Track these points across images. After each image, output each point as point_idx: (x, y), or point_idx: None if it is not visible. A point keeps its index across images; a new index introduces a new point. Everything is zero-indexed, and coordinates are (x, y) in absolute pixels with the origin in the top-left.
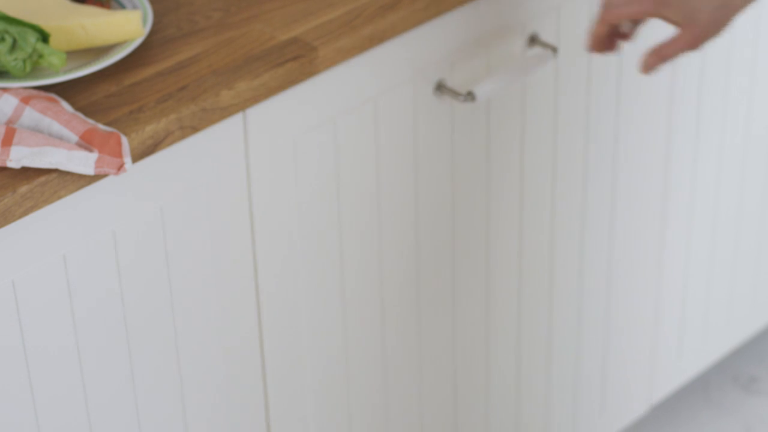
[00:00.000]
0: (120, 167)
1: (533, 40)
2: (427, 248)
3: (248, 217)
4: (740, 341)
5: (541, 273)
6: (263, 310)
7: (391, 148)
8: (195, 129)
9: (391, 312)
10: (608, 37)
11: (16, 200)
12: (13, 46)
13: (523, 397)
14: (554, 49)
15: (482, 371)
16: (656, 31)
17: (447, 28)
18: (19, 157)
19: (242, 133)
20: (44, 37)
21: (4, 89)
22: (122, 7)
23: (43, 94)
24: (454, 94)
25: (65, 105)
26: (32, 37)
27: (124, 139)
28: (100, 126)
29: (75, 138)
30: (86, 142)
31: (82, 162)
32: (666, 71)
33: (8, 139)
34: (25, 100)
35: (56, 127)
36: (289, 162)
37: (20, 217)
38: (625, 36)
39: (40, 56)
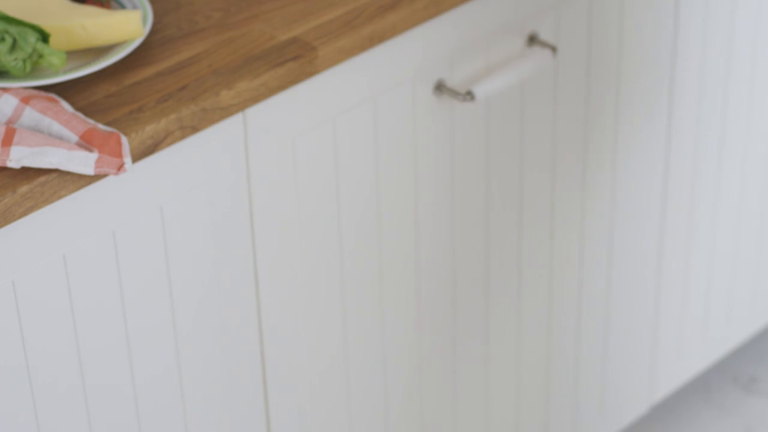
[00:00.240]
0: (120, 167)
1: (533, 39)
2: (427, 247)
3: (248, 217)
4: (740, 341)
5: (540, 273)
6: (263, 309)
7: (390, 148)
8: (195, 129)
9: (391, 311)
10: None
11: (16, 200)
12: (13, 46)
13: (523, 397)
14: (554, 49)
15: (482, 371)
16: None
17: (447, 28)
18: (19, 157)
19: (242, 133)
20: (44, 37)
21: (4, 89)
22: (122, 7)
23: (43, 94)
24: (454, 93)
25: (65, 105)
26: (32, 37)
27: (124, 139)
28: (100, 126)
29: (75, 138)
30: (86, 142)
31: (82, 162)
32: (666, 71)
33: (8, 139)
34: (25, 100)
35: (56, 127)
36: (289, 162)
37: (20, 217)
38: None
39: (40, 56)
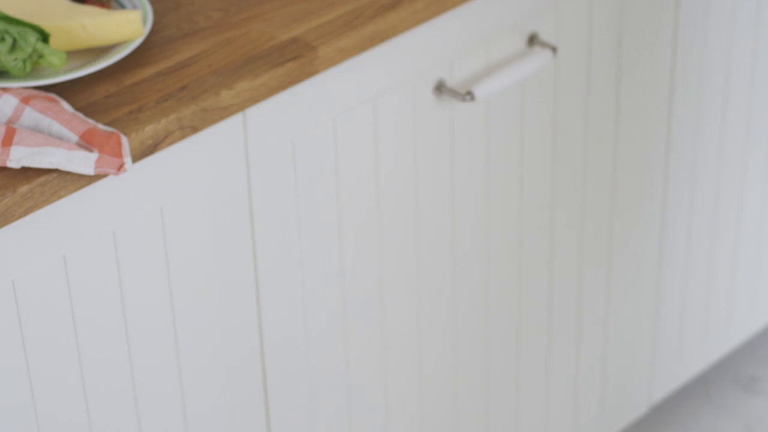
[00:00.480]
0: (120, 167)
1: (533, 40)
2: (427, 247)
3: (248, 217)
4: (740, 341)
5: (540, 272)
6: (263, 309)
7: (390, 148)
8: (195, 129)
9: (391, 311)
10: None
11: (16, 200)
12: (13, 46)
13: (523, 397)
14: (554, 49)
15: (482, 371)
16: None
17: (447, 28)
18: (19, 157)
19: (242, 133)
20: (44, 37)
21: (4, 89)
22: (122, 7)
23: (43, 94)
24: (454, 93)
25: (65, 105)
26: (32, 37)
27: (124, 139)
28: (100, 126)
29: (75, 138)
30: (86, 142)
31: (82, 162)
32: (666, 71)
33: (8, 139)
34: (25, 100)
35: (56, 127)
36: (289, 162)
37: (20, 217)
38: None
39: (40, 56)
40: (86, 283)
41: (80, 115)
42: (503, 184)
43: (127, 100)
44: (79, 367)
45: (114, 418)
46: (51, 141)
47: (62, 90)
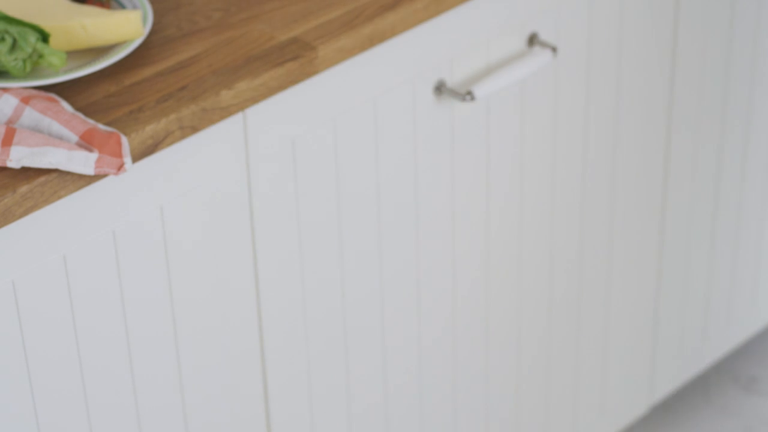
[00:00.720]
0: (120, 167)
1: (533, 40)
2: (427, 247)
3: (248, 217)
4: (740, 341)
5: (540, 271)
6: (263, 309)
7: (391, 148)
8: (195, 129)
9: (391, 311)
10: None
11: (16, 200)
12: (13, 46)
13: (523, 397)
14: (554, 49)
15: (482, 371)
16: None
17: (447, 28)
18: (19, 157)
19: (242, 133)
20: (44, 37)
21: (4, 89)
22: (122, 7)
23: (43, 94)
24: (454, 93)
25: (65, 105)
26: (32, 37)
27: (124, 139)
28: (100, 126)
29: (75, 138)
30: (86, 142)
31: (82, 162)
32: (666, 71)
33: (8, 139)
34: (25, 100)
35: (56, 127)
36: (289, 162)
37: (20, 217)
38: None
39: (40, 56)
40: (86, 283)
41: (80, 115)
42: (503, 184)
43: (127, 100)
44: (79, 367)
45: (114, 418)
46: (51, 141)
47: (62, 90)
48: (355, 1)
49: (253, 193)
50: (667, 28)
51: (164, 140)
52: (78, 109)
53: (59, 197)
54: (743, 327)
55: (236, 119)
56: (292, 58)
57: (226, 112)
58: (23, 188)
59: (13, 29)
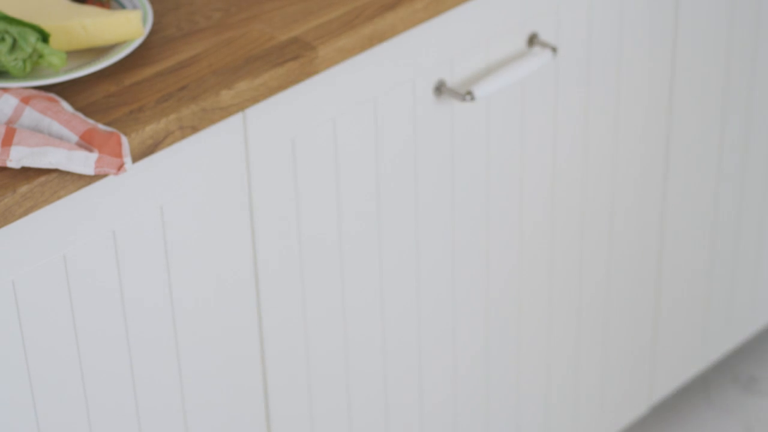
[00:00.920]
0: (120, 167)
1: (533, 40)
2: (426, 247)
3: (248, 217)
4: (740, 341)
5: (540, 272)
6: (263, 309)
7: (391, 148)
8: (195, 129)
9: (391, 310)
10: None
11: (16, 200)
12: (13, 46)
13: (523, 397)
14: (554, 49)
15: (482, 371)
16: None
17: (447, 28)
18: (19, 157)
19: (242, 133)
20: (44, 37)
21: (4, 89)
22: (122, 7)
23: (43, 94)
24: (454, 93)
25: (65, 105)
26: (32, 37)
27: (124, 139)
28: (100, 126)
29: (75, 138)
30: (86, 142)
31: (82, 162)
32: (666, 71)
33: (8, 139)
34: (25, 100)
35: (56, 127)
36: (289, 162)
37: (20, 217)
38: None
39: (40, 56)
40: (86, 283)
41: (80, 115)
42: (503, 184)
43: (127, 100)
44: (79, 366)
45: (114, 417)
46: (51, 141)
47: (62, 90)
48: (355, 1)
49: (253, 193)
50: (667, 28)
51: (164, 140)
52: (78, 109)
53: (59, 197)
54: (743, 327)
55: (236, 119)
56: (292, 58)
57: (226, 112)
58: (23, 188)
59: (13, 29)
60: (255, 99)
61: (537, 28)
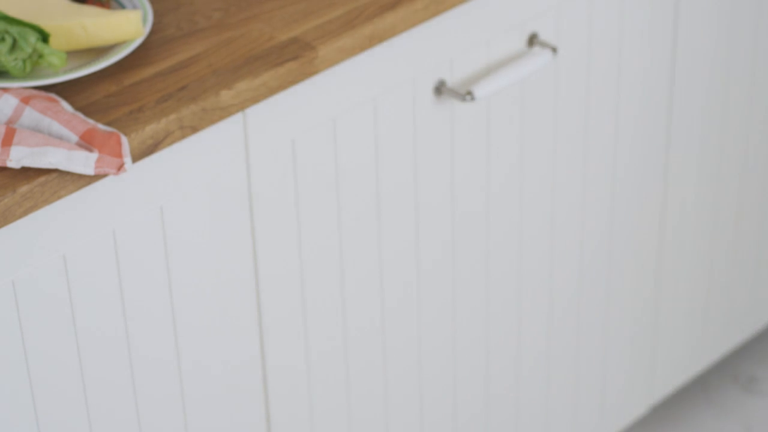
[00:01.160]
0: (120, 167)
1: (533, 40)
2: (425, 248)
3: (248, 217)
4: (740, 341)
5: (540, 272)
6: (263, 309)
7: (391, 148)
8: (195, 129)
9: (391, 311)
10: None
11: (16, 200)
12: (13, 46)
13: (523, 397)
14: (554, 49)
15: (482, 371)
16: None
17: (447, 28)
18: (19, 157)
19: (242, 133)
20: (44, 37)
21: (4, 89)
22: (122, 7)
23: (43, 94)
24: (454, 93)
25: (65, 105)
26: (32, 37)
27: (124, 139)
28: (100, 126)
29: (75, 138)
30: (86, 142)
31: (82, 162)
32: (665, 71)
33: (8, 139)
34: (25, 100)
35: (56, 127)
36: (289, 162)
37: (20, 217)
38: None
39: (40, 56)
40: (86, 283)
41: (80, 115)
42: (503, 184)
43: (127, 100)
44: (79, 366)
45: (114, 417)
46: (51, 141)
47: (62, 90)
48: (355, 1)
49: (253, 193)
50: (667, 28)
51: (164, 140)
52: (78, 109)
53: (59, 197)
54: (743, 327)
55: (236, 119)
56: (292, 58)
57: (226, 112)
58: (23, 188)
59: (13, 29)
60: (255, 99)
61: (537, 28)
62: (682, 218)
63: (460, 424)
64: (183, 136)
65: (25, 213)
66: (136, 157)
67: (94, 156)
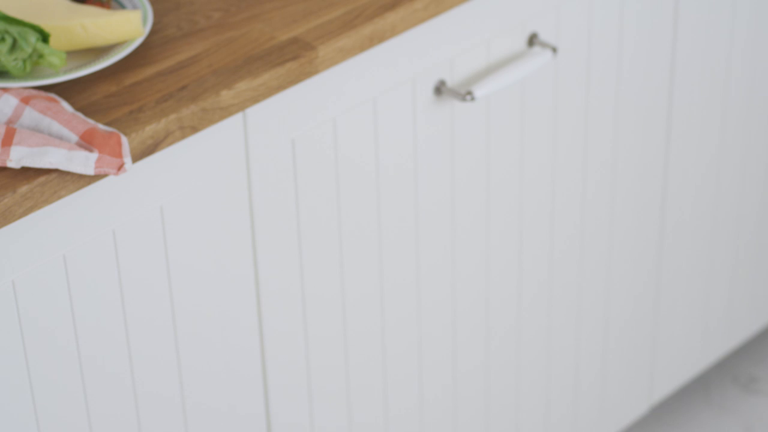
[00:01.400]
0: (120, 167)
1: (533, 40)
2: (426, 246)
3: (248, 217)
4: (740, 341)
5: (540, 272)
6: (263, 309)
7: (391, 148)
8: (195, 129)
9: (391, 310)
10: None
11: (16, 200)
12: (13, 46)
13: (523, 397)
14: (554, 49)
15: (482, 371)
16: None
17: (447, 28)
18: (19, 157)
19: (242, 133)
20: (44, 37)
21: (4, 89)
22: (122, 7)
23: (43, 94)
24: (454, 93)
25: (65, 105)
26: (32, 37)
27: (124, 139)
28: (100, 126)
29: (75, 138)
30: (86, 142)
31: (82, 162)
32: (665, 71)
33: (8, 139)
34: (25, 100)
35: (56, 127)
36: (289, 162)
37: (20, 217)
38: None
39: (40, 56)
40: (86, 283)
41: (80, 115)
42: (503, 184)
43: (127, 100)
44: (79, 366)
45: (114, 417)
46: (51, 141)
47: (62, 90)
48: (355, 1)
49: (253, 193)
50: (667, 28)
51: (164, 140)
52: (78, 109)
53: (59, 197)
54: (743, 327)
55: (236, 119)
56: (292, 58)
57: (226, 112)
58: (23, 188)
59: (13, 29)
60: (255, 99)
61: (537, 28)
62: (682, 218)
63: (460, 424)
64: (183, 136)
65: (25, 213)
66: (136, 157)
67: (94, 156)
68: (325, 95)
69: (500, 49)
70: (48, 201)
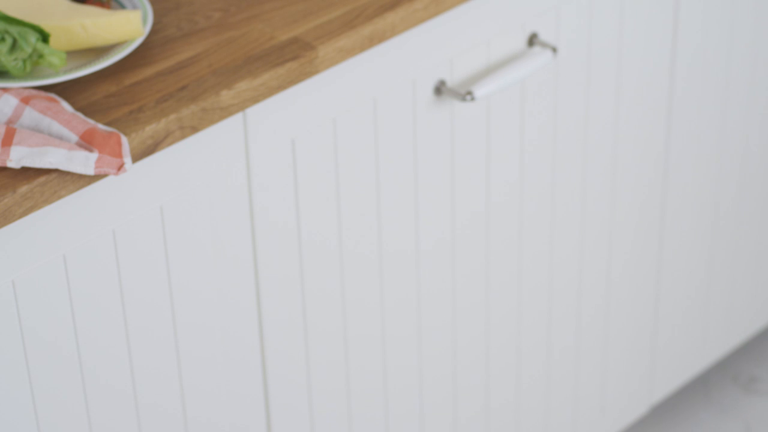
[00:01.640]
0: (120, 167)
1: (533, 40)
2: (426, 246)
3: (248, 217)
4: (740, 341)
5: (540, 272)
6: (264, 309)
7: (391, 148)
8: (195, 129)
9: (391, 310)
10: None
11: (16, 200)
12: (13, 46)
13: (524, 397)
14: (554, 49)
15: (482, 371)
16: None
17: (447, 28)
18: (19, 157)
19: (242, 133)
20: (44, 37)
21: (4, 89)
22: (122, 7)
23: (43, 94)
24: (454, 93)
25: (65, 105)
26: (32, 37)
27: (124, 139)
28: (100, 126)
29: (75, 138)
30: (86, 142)
31: (82, 162)
32: (665, 71)
33: (8, 139)
34: (25, 100)
35: (56, 127)
36: (289, 162)
37: (20, 217)
38: None
39: (40, 56)
40: (86, 283)
41: (80, 115)
42: (503, 184)
43: (127, 100)
44: (78, 366)
45: (114, 418)
46: (51, 141)
47: (62, 90)
48: (355, 1)
49: (253, 193)
50: (667, 28)
51: (164, 140)
52: (78, 109)
53: (59, 197)
54: (743, 327)
55: (236, 119)
56: (292, 58)
57: (226, 112)
58: (23, 188)
59: (13, 29)
60: (255, 99)
61: (537, 28)
62: (682, 218)
63: (460, 425)
64: (183, 136)
65: (25, 213)
66: (136, 157)
67: (94, 156)
68: (325, 95)
69: (500, 49)
70: (48, 201)
